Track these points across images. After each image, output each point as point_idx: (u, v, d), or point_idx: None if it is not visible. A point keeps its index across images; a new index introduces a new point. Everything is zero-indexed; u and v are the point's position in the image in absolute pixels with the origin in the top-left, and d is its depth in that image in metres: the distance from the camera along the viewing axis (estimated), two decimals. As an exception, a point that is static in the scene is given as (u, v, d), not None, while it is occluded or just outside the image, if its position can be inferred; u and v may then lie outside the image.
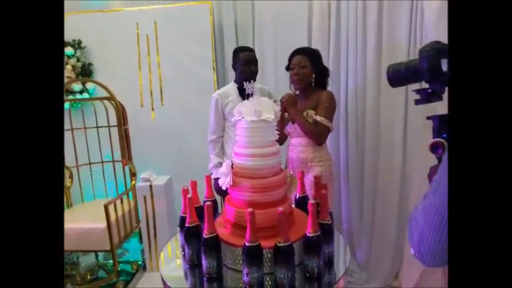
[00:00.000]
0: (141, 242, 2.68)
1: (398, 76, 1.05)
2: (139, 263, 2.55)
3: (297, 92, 1.87)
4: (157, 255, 2.37)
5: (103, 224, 2.07)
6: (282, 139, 1.91)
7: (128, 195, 2.42)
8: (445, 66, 0.92)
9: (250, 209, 0.99)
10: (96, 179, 2.69)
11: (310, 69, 1.77)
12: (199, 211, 1.20)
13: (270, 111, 1.14)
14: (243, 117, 1.14)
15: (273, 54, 2.46)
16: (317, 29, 2.18)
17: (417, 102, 1.05)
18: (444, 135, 0.95)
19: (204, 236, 1.07)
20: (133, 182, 2.46)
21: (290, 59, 1.81)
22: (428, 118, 1.00)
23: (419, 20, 1.85)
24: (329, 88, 1.88)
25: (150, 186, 2.28)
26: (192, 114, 2.84)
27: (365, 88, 2.09)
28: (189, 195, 1.14)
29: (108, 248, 2.11)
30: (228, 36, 2.76)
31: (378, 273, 2.19)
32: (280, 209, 0.99)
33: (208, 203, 1.07)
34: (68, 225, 2.16)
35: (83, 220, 2.19)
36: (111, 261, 2.58)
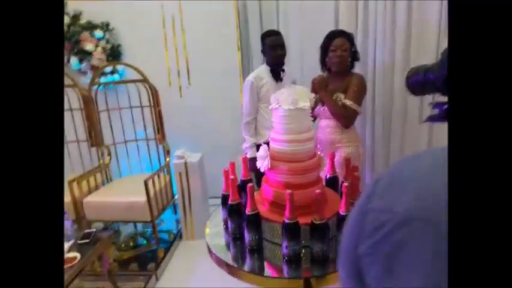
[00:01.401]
0: (175, 213, 2.90)
1: (417, 84, 0.84)
2: (174, 232, 2.77)
3: (325, 74, 1.90)
4: (192, 226, 2.58)
5: (143, 198, 2.27)
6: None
7: (163, 170, 2.59)
8: None
9: (289, 191, 1.10)
10: (131, 156, 2.88)
11: (349, 52, 1.79)
12: (239, 189, 1.33)
13: (306, 99, 1.21)
14: (280, 105, 1.22)
15: (298, 35, 2.46)
16: (344, 11, 2.15)
17: (431, 119, 0.90)
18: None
19: (247, 212, 1.20)
20: (167, 159, 2.62)
21: (329, 40, 1.81)
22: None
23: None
24: (356, 70, 1.90)
25: (185, 163, 2.44)
26: (218, 92, 2.92)
27: (393, 70, 2.09)
28: (231, 177, 1.26)
29: (149, 219, 2.31)
30: (251, 15, 2.76)
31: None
32: (318, 190, 1.10)
33: (249, 184, 1.19)
34: (111, 198, 2.38)
35: (124, 194, 2.39)
36: (148, 229, 2.83)
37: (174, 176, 2.58)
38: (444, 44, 1.95)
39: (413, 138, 2.16)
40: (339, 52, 1.78)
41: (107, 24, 2.93)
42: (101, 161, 2.67)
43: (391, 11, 2.02)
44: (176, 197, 2.67)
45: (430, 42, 1.97)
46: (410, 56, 2.04)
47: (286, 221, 1.12)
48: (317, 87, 1.77)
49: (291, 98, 1.19)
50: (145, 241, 2.68)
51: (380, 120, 2.23)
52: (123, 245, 2.57)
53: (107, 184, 2.68)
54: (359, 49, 2.12)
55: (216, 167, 2.83)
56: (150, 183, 2.28)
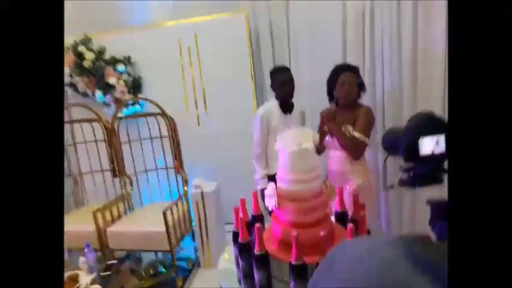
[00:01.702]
0: (194, 240, 2.95)
1: (388, 145, 0.86)
2: (192, 257, 2.82)
3: (333, 105, 1.94)
4: (209, 253, 2.61)
5: (162, 228, 2.34)
6: (320, 150, 2.00)
7: (181, 199, 2.67)
8: (425, 148, 0.72)
9: (295, 233, 1.12)
10: (152, 185, 2.99)
11: (356, 86, 1.83)
12: (249, 225, 1.37)
13: (309, 140, 1.25)
14: (285, 147, 1.26)
15: (307, 66, 2.52)
16: (352, 39, 2.20)
17: (400, 182, 0.84)
18: (437, 227, 0.78)
19: (255, 252, 1.23)
20: (185, 188, 2.70)
21: (336, 74, 1.85)
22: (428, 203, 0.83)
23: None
24: (365, 96, 1.92)
25: (201, 193, 2.51)
26: (233, 120, 3.02)
27: (402, 96, 2.09)
28: (240, 215, 1.30)
29: (167, 248, 2.38)
30: (264, 43, 2.86)
31: None
32: (322, 232, 1.12)
33: (258, 224, 1.22)
34: (132, 228, 2.47)
35: (144, 224, 2.47)
36: (169, 256, 2.89)
37: (191, 204, 2.66)
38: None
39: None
40: (347, 87, 1.81)
41: (129, 58, 3.13)
42: (123, 190, 2.80)
43: (397, 41, 2.05)
44: (194, 223, 2.73)
45: (436, 69, 1.97)
46: (418, 85, 2.04)
47: (293, 262, 1.14)
48: (325, 119, 1.81)
49: (295, 139, 1.23)
50: (164, 269, 2.74)
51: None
52: (143, 273, 2.64)
53: (128, 213, 2.78)
54: (367, 79, 2.16)
55: (234, 193, 2.89)
56: (168, 213, 2.36)
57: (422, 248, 0.35)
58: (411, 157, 0.76)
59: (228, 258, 1.47)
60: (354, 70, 1.83)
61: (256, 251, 1.22)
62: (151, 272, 2.68)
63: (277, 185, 1.32)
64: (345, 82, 1.81)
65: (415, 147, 0.73)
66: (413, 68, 2.03)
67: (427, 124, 0.74)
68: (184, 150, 2.89)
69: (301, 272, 1.14)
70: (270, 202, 1.31)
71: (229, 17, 2.90)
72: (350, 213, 1.46)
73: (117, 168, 2.76)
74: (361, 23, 2.17)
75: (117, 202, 2.67)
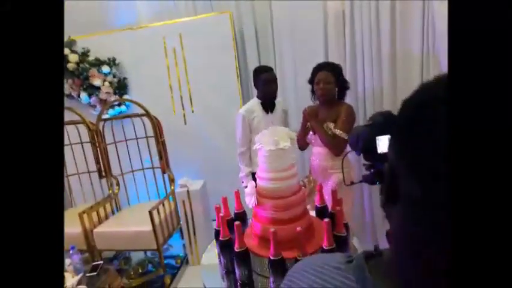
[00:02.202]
0: (183, 238, 2.98)
1: (351, 144, 0.88)
2: (181, 255, 2.84)
3: (317, 103, 1.98)
4: (197, 251, 2.65)
5: (149, 227, 2.36)
6: (303, 146, 2.05)
7: (168, 198, 2.69)
8: (382, 147, 0.74)
9: (272, 229, 1.16)
10: (139, 185, 3.00)
11: (334, 85, 1.87)
12: (231, 223, 1.40)
13: (286, 139, 1.29)
14: (262, 146, 1.30)
15: (291, 65, 2.56)
16: (333, 36, 2.25)
17: (363, 179, 0.87)
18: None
19: (236, 249, 1.27)
20: (172, 188, 2.73)
21: (314, 73, 1.89)
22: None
23: (431, 26, 1.87)
24: (348, 97, 1.97)
25: (188, 191, 2.53)
26: (220, 119, 3.04)
27: (381, 94, 2.15)
28: (221, 214, 1.33)
29: (155, 247, 2.40)
30: (249, 43, 2.89)
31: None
32: (298, 228, 1.16)
33: (237, 222, 1.26)
34: (118, 228, 2.49)
35: (131, 224, 2.49)
36: (157, 256, 2.91)
37: (178, 203, 2.68)
38: (427, 72, 2.00)
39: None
40: (322, 85, 1.85)
41: (113, 60, 3.12)
42: (110, 191, 2.80)
43: (376, 41, 2.10)
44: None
45: (414, 68, 2.03)
46: (397, 83, 2.10)
47: (271, 257, 1.18)
48: (307, 116, 1.85)
49: (272, 139, 1.27)
50: (153, 268, 2.76)
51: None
52: (132, 273, 2.66)
53: (116, 214, 2.79)
54: (349, 78, 2.20)
55: (221, 191, 2.93)
56: (154, 212, 2.38)
57: (371, 273, 0.39)
58: (369, 155, 0.79)
59: (205, 264, 1.51)
60: (331, 68, 1.87)
61: (237, 248, 1.26)
62: (140, 270, 2.70)
63: (257, 183, 1.36)
64: (320, 80, 1.85)
65: (373, 146, 0.76)
66: (392, 67, 2.09)
67: (384, 123, 0.77)
68: (171, 149, 2.90)
69: (279, 267, 1.19)
70: (250, 200, 1.35)
71: (214, 16, 2.92)
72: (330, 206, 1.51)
73: (104, 169, 2.76)
74: (341, 23, 2.21)
75: (104, 203, 2.68)
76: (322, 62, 1.92)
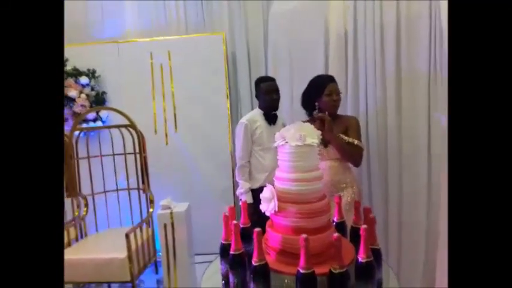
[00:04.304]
0: (157, 272, 2.60)
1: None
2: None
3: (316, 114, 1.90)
4: (176, 284, 2.29)
5: (123, 254, 2.02)
6: None
7: (146, 221, 2.37)
8: None
9: (304, 235, 0.98)
10: (110, 208, 2.64)
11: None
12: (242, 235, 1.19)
13: (314, 136, 1.15)
14: (286, 142, 1.15)
15: (287, 82, 2.51)
16: (334, 58, 2.25)
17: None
18: None
19: (254, 263, 1.05)
20: (151, 210, 2.42)
21: (323, 85, 1.84)
22: None
23: (439, 45, 1.92)
24: (349, 112, 1.93)
25: (171, 213, 2.25)
26: (206, 140, 2.87)
27: (385, 114, 2.13)
28: (234, 222, 1.12)
29: (128, 279, 2.04)
30: (241, 65, 2.84)
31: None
32: (336, 234, 0.99)
33: (257, 229, 1.05)
34: (84, 255, 2.10)
35: (100, 250, 2.12)
36: (125, 292, 2.49)
37: (157, 228, 2.36)
38: (435, 89, 2.03)
39: (412, 176, 2.15)
40: (335, 96, 1.82)
41: (93, 72, 2.91)
42: (76, 213, 2.42)
43: (380, 60, 2.12)
44: (159, 253, 2.42)
45: (421, 88, 2.05)
46: (402, 104, 2.10)
47: (301, 271, 0.98)
48: (328, 125, 1.70)
49: (299, 134, 1.13)
50: (121, 306, 2.34)
51: (375, 158, 2.21)
52: (94, 312, 2.22)
53: (80, 240, 2.40)
54: (349, 94, 2.19)
55: (203, 219, 2.68)
56: (131, 236, 2.05)
57: None
58: None
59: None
60: (335, 81, 1.87)
61: (255, 261, 1.04)
62: (105, 310, 2.27)
63: (276, 186, 1.19)
64: (332, 92, 1.82)
65: None
66: (397, 86, 2.10)
67: None
68: (149, 171, 2.63)
69: (310, 283, 0.98)
70: (268, 206, 1.16)
71: (207, 36, 2.87)
72: (348, 222, 1.36)
73: (70, 189, 2.41)
74: (343, 43, 2.23)
75: (68, 227, 2.29)
76: (324, 75, 1.89)
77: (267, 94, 2.04)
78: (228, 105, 2.87)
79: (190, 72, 2.87)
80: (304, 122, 1.79)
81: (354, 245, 1.22)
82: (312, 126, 1.21)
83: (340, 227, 1.34)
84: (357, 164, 1.80)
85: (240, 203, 1.36)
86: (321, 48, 2.33)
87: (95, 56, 2.90)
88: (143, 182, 2.37)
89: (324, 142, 1.82)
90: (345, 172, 1.81)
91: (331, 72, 2.20)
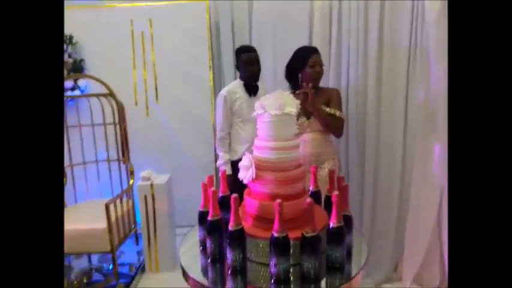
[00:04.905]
0: (137, 244, 2.62)
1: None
2: (136, 265, 2.49)
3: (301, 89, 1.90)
4: (157, 256, 2.33)
5: (103, 224, 2.02)
6: None
7: (126, 194, 2.36)
8: None
9: (278, 200, 1.00)
10: (89, 179, 2.61)
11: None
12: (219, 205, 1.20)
13: (292, 104, 1.15)
14: (265, 111, 1.15)
15: (271, 53, 2.48)
16: (318, 30, 2.22)
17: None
18: None
19: (230, 228, 1.07)
20: (131, 181, 2.40)
21: (306, 56, 1.83)
22: None
23: (421, 19, 1.93)
24: (331, 85, 1.94)
25: (151, 185, 2.24)
26: (187, 111, 2.82)
27: (366, 88, 2.15)
28: (213, 189, 1.13)
29: (108, 249, 2.05)
30: (224, 35, 2.76)
31: (377, 266, 2.25)
32: (309, 199, 1.01)
33: (234, 195, 1.07)
34: (64, 226, 2.09)
35: (80, 221, 2.11)
36: (105, 264, 2.51)
37: (137, 200, 2.36)
38: (413, 65, 2.06)
39: (388, 151, 2.21)
40: (318, 68, 1.82)
41: (71, 38, 2.77)
42: (54, 185, 2.38)
43: (364, 29, 2.11)
44: (139, 225, 2.42)
45: (401, 63, 2.07)
46: (382, 72, 2.12)
47: (275, 234, 1.01)
48: (311, 97, 1.71)
49: (278, 102, 1.13)
50: (101, 276, 2.37)
51: (353, 136, 2.25)
52: (75, 282, 2.24)
53: (59, 211, 2.37)
54: (333, 67, 2.19)
55: (184, 191, 2.68)
56: (111, 207, 2.05)
57: None
58: None
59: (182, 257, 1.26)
60: (318, 52, 1.87)
61: (232, 226, 1.07)
62: (85, 280, 2.29)
63: (254, 154, 1.20)
64: (316, 63, 1.82)
65: None
66: (378, 61, 2.11)
67: None
68: (130, 142, 2.59)
69: (284, 246, 1.02)
70: (246, 174, 1.17)
71: (189, 3, 2.76)
72: (323, 193, 1.39)
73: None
74: (327, 21, 2.20)
75: (46, 198, 2.26)
76: (308, 46, 1.87)
77: (247, 65, 2.01)
78: (211, 77, 2.81)
79: (172, 42, 2.77)
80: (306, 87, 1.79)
81: (328, 212, 1.26)
82: (291, 95, 1.21)
83: (316, 196, 1.37)
84: (339, 134, 1.84)
85: (220, 173, 1.37)
86: (305, 21, 2.29)
87: (72, 21, 2.74)
88: (123, 154, 2.34)
89: (307, 114, 1.83)
90: (327, 144, 1.85)
91: (314, 45, 2.18)
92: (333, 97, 1.82)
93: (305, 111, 1.81)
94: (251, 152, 1.21)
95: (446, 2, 1.69)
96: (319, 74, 1.82)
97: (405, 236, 2.14)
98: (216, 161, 2.67)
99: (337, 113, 1.79)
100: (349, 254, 1.19)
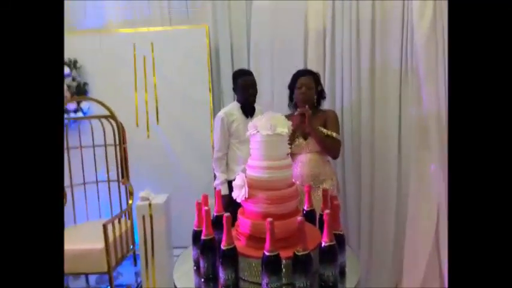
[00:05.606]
0: (135, 265, 2.60)
1: None
2: (133, 286, 2.47)
3: (294, 111, 1.95)
4: (154, 277, 2.30)
5: (100, 245, 2.02)
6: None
7: (125, 215, 2.37)
8: None
9: (270, 219, 1.02)
10: (90, 200, 2.63)
11: (314, 91, 1.89)
12: (213, 225, 1.22)
13: (284, 125, 1.19)
14: (258, 132, 1.19)
15: (269, 75, 2.55)
16: (312, 53, 2.30)
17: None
18: None
19: (222, 247, 1.08)
20: (130, 202, 2.42)
21: (295, 78, 1.90)
22: None
23: (410, 42, 2.01)
24: (326, 106, 1.98)
25: (149, 205, 2.25)
26: (187, 133, 2.87)
27: (359, 107, 2.20)
28: (206, 208, 1.15)
29: (105, 270, 2.04)
30: (223, 58, 2.85)
31: (377, 284, 2.22)
32: (300, 218, 1.03)
33: (226, 214, 1.09)
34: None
35: (78, 241, 2.12)
36: (103, 285, 2.49)
37: (136, 221, 2.36)
38: (405, 85, 2.11)
39: (384, 169, 2.23)
40: (304, 89, 1.86)
41: (75, 62, 2.87)
42: (54, 205, 2.40)
43: (356, 56, 2.19)
44: (137, 246, 2.42)
45: (393, 82, 2.13)
46: (375, 92, 2.18)
47: (267, 253, 1.02)
48: (308, 118, 1.75)
49: (269, 123, 1.17)
50: (98, 298, 2.34)
51: (349, 154, 2.28)
52: (71, 304, 2.22)
53: (58, 231, 2.38)
54: (327, 88, 2.25)
55: (183, 212, 2.68)
56: (109, 227, 2.06)
57: None
58: None
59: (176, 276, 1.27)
60: (311, 74, 1.91)
61: (224, 245, 1.08)
62: (81, 302, 2.27)
63: (247, 173, 1.23)
64: (302, 85, 1.86)
65: None
66: (371, 80, 2.17)
67: None
68: (130, 163, 2.62)
69: (275, 265, 1.03)
70: (239, 193, 1.20)
71: (190, 29, 2.87)
72: (318, 212, 1.40)
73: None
74: (322, 40, 2.28)
75: (45, 218, 2.27)
76: (303, 69, 1.94)
77: (244, 88, 2.08)
78: (211, 99, 2.88)
79: (173, 65, 2.86)
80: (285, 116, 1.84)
81: (321, 231, 1.27)
82: (283, 116, 1.25)
83: (310, 215, 1.38)
84: (335, 156, 1.86)
85: (215, 192, 1.39)
86: (301, 44, 2.38)
87: (77, 46, 2.86)
88: (123, 174, 2.37)
89: (304, 135, 1.87)
90: (324, 165, 1.87)
91: (309, 67, 2.25)
92: (329, 118, 1.86)
93: (302, 132, 1.85)
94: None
95: (433, 23, 1.76)
96: (304, 95, 1.85)
97: (404, 255, 2.12)
98: (215, 181, 2.69)
99: (334, 134, 1.82)
100: (342, 274, 1.19)
